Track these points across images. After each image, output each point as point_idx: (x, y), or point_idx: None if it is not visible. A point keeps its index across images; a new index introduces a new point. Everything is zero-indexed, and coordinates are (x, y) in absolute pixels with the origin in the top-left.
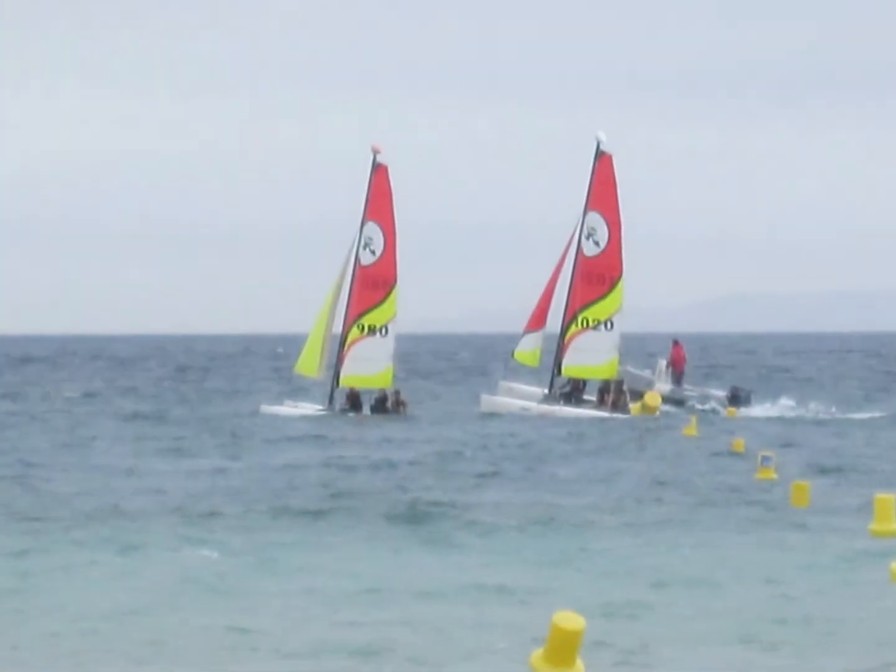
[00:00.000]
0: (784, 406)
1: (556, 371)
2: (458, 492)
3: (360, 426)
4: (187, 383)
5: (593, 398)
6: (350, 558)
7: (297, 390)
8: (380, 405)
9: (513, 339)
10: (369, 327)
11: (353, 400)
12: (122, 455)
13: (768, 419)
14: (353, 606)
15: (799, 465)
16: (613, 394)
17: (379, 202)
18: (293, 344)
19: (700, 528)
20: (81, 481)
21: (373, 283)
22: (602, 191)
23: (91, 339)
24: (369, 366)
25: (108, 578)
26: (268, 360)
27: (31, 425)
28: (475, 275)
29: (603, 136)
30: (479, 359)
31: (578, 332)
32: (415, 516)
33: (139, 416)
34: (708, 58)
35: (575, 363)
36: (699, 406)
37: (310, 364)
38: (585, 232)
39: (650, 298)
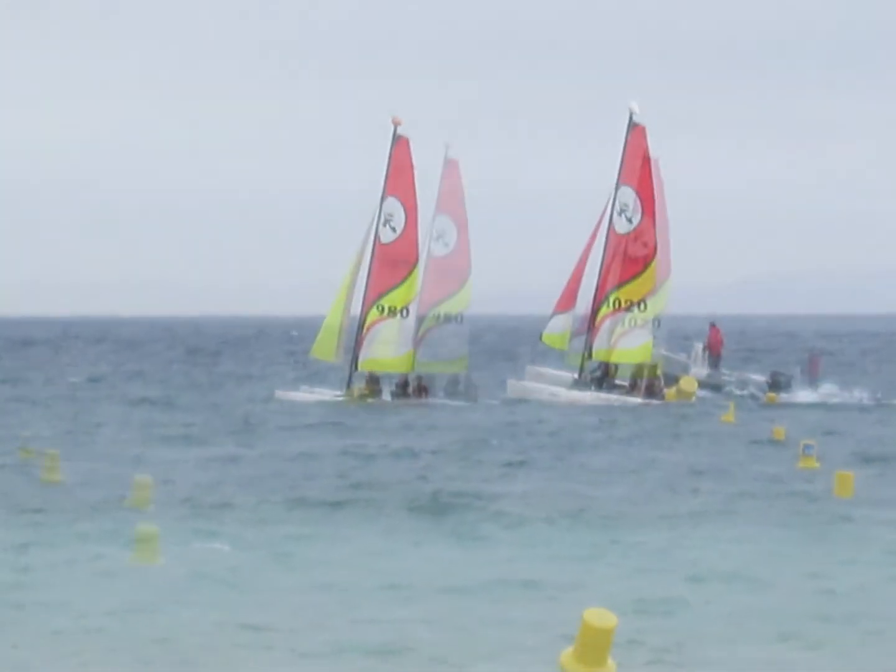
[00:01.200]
0: (826, 392)
1: (586, 355)
2: (483, 482)
3: (380, 413)
4: (198, 367)
5: (626, 383)
6: (369, 552)
7: (314, 375)
8: (400, 390)
9: (541, 321)
10: (389, 308)
11: (373, 385)
12: (128, 443)
13: (810, 405)
14: (372, 603)
15: (842, 453)
16: (647, 379)
17: (399, 176)
18: (309, 326)
19: (738, 520)
20: (86, 471)
21: (393, 262)
22: (634, 164)
23: (95, 321)
24: (389, 349)
25: (113, 573)
26: (282, 343)
27: (33, 411)
28: (501, 252)
29: (636, 107)
30: (506, 342)
31: (610, 314)
32: (437, 508)
33: (147, 401)
34: (750, 25)
35: (606, 346)
36: (737, 391)
37: (327, 347)
38: (618, 208)
39: (689, 277)
